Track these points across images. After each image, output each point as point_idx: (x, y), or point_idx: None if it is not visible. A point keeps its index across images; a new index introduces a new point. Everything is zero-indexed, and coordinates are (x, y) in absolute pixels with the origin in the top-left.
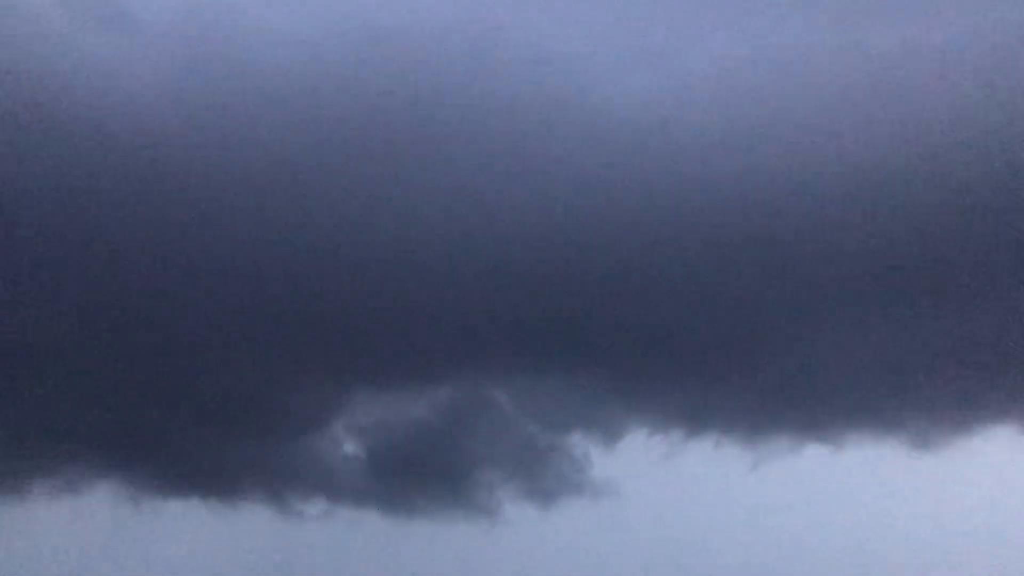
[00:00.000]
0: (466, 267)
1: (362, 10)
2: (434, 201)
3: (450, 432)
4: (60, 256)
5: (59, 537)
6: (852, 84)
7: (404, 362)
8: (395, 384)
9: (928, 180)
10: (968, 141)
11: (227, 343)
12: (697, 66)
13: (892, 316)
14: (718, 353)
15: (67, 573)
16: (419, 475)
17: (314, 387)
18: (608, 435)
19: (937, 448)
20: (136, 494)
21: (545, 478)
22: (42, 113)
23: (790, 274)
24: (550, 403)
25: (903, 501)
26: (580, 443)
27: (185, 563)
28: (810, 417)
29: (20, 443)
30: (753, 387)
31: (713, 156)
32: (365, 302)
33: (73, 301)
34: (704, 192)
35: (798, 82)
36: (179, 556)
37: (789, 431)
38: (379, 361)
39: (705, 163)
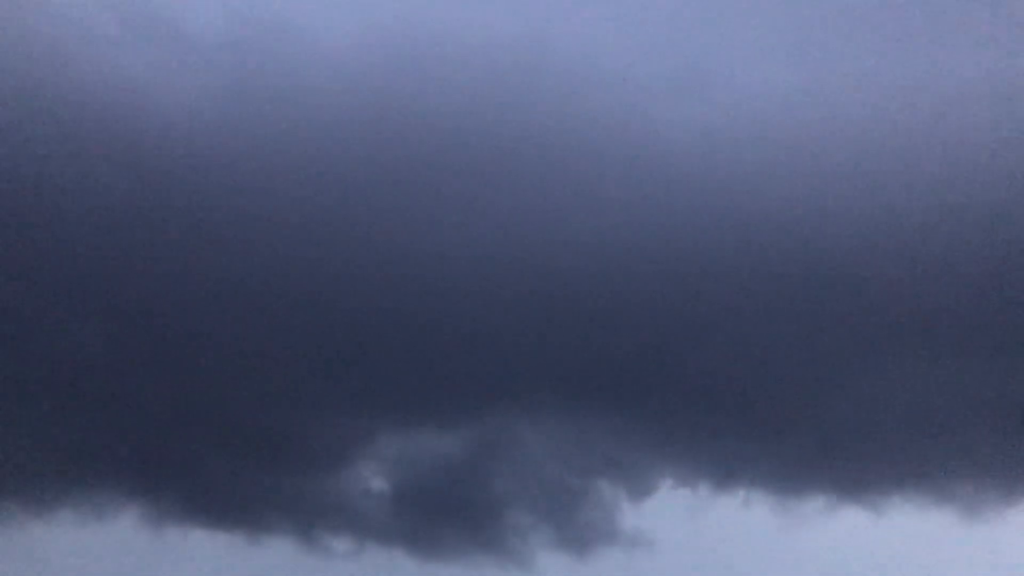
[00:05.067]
0: (499, 301)
1: (409, 27)
2: (473, 230)
3: (479, 472)
4: (95, 280)
5: (84, 561)
6: (911, 117)
7: (434, 399)
8: (424, 422)
9: (989, 223)
10: None
11: (257, 376)
12: (749, 93)
13: (942, 373)
14: (754, 403)
15: None
16: (448, 516)
17: (343, 423)
18: (637, 484)
19: (987, 518)
20: (161, 522)
21: (576, 524)
22: (91, 125)
23: (834, 323)
24: (578, 447)
25: (948, 574)
26: (609, 489)
27: None
28: (848, 478)
29: (49, 468)
30: (789, 442)
31: (760, 190)
32: (397, 338)
33: (106, 327)
34: (749, 229)
35: (854, 111)
36: None
37: (825, 491)
38: (409, 398)
39: (750, 197)
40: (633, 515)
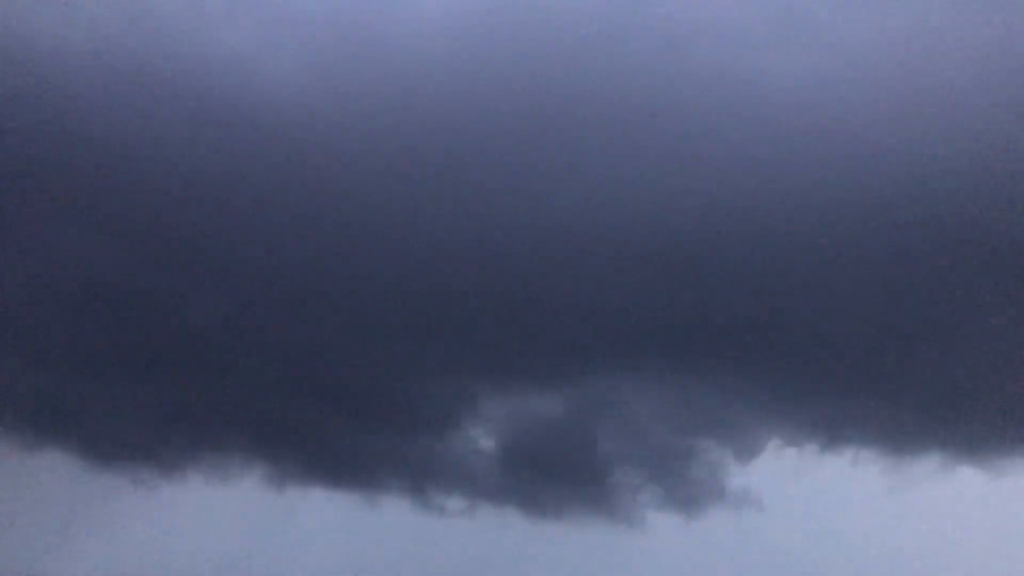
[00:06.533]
0: (605, 263)
1: None
2: (574, 191)
3: (584, 432)
4: (214, 256)
5: (212, 519)
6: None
7: (538, 361)
8: (529, 383)
9: None
10: None
11: (370, 343)
12: (854, 38)
13: None
14: (863, 360)
15: (218, 549)
16: (556, 476)
17: (453, 385)
18: (743, 444)
19: None
20: (283, 482)
21: (683, 484)
22: (203, 101)
23: (950, 275)
24: (683, 407)
25: None
26: (716, 449)
27: (331, 550)
28: (963, 437)
29: (180, 434)
30: (901, 399)
31: (870, 139)
32: (501, 301)
33: (228, 301)
34: (858, 180)
35: (967, 55)
36: (324, 542)
37: (939, 451)
38: (513, 361)
39: (860, 147)
40: (740, 475)
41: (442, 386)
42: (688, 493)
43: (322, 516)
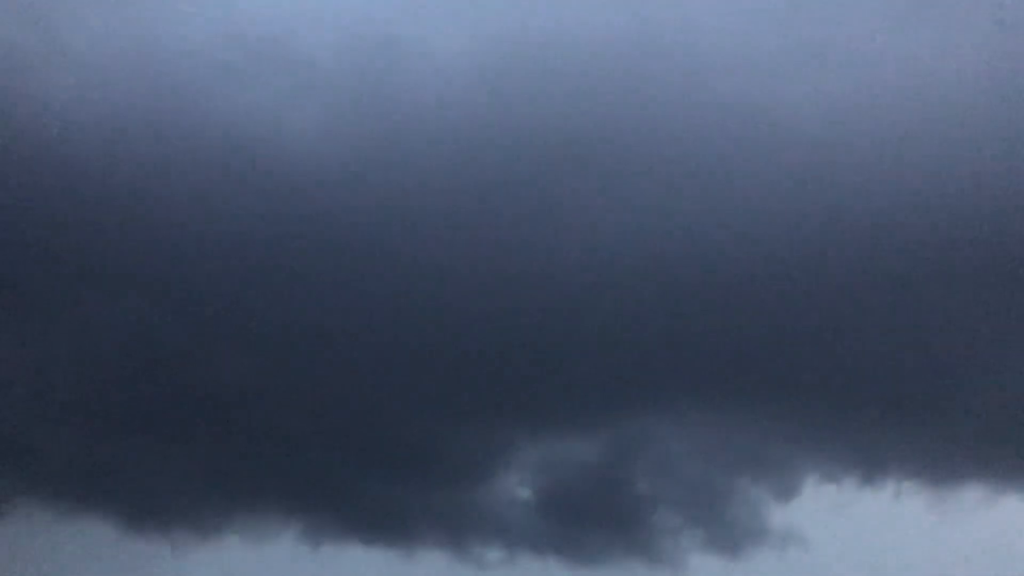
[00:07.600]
0: (633, 301)
1: (518, 31)
2: (600, 230)
3: (622, 476)
4: (240, 311)
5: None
6: None
7: (571, 405)
8: (563, 428)
9: None
10: None
11: (400, 395)
12: (882, 70)
13: None
14: (901, 390)
15: None
16: (595, 521)
17: (486, 434)
18: (781, 482)
19: None
20: (319, 539)
21: (725, 524)
22: (223, 157)
23: (987, 301)
24: (720, 445)
25: None
26: (754, 488)
27: None
28: (1009, 465)
29: (214, 496)
30: (942, 429)
31: (897, 164)
32: (530, 345)
33: (255, 357)
34: (890, 207)
35: (988, 89)
36: None
37: (984, 480)
38: (545, 405)
39: (887, 173)
40: (781, 513)
41: (475, 435)
42: (729, 533)
43: (359, 571)
